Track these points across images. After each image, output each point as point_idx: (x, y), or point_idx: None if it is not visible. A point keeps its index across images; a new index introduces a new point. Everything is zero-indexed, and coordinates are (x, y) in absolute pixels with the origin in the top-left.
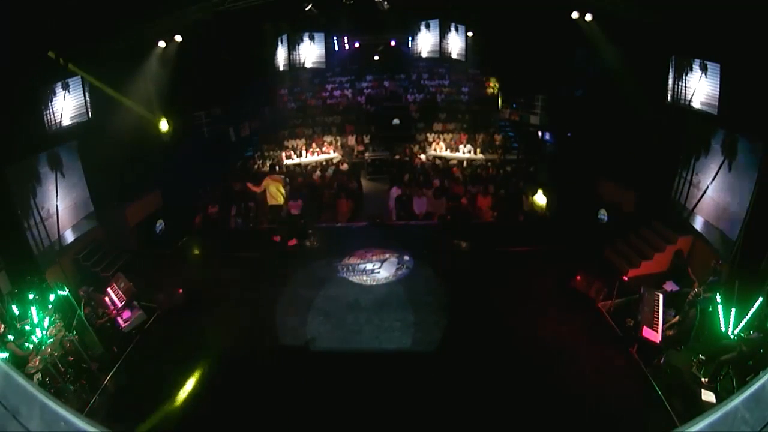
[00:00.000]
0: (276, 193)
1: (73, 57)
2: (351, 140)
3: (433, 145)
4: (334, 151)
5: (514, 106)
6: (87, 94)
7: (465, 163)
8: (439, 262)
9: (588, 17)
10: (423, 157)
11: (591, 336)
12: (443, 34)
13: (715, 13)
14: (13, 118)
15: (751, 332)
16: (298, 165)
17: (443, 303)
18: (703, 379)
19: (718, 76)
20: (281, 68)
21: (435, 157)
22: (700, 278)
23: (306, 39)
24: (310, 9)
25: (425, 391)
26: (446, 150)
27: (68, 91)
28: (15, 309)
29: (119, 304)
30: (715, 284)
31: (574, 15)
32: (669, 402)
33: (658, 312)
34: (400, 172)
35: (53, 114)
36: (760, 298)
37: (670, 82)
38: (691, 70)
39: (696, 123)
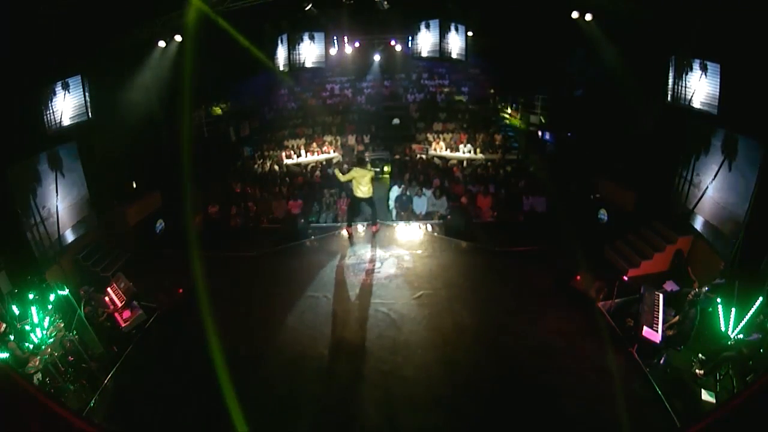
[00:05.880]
0: (361, 184)
1: (71, 57)
2: (351, 140)
3: (434, 144)
4: (334, 151)
5: (514, 106)
6: (87, 94)
7: (465, 163)
8: (438, 262)
9: (588, 17)
10: (423, 157)
11: (591, 336)
12: (443, 34)
13: (715, 13)
14: (13, 118)
15: (753, 334)
16: (298, 165)
17: (443, 302)
18: (702, 379)
19: (718, 76)
20: (281, 68)
21: (434, 156)
22: (700, 278)
23: (306, 39)
24: (310, 9)
25: (424, 390)
26: (446, 150)
27: (68, 91)
28: (15, 309)
29: (119, 304)
30: (720, 286)
31: (574, 15)
32: (669, 402)
33: (658, 312)
34: (400, 172)
35: (53, 114)
36: (760, 298)
37: (670, 82)
38: (691, 70)
39: (696, 123)
